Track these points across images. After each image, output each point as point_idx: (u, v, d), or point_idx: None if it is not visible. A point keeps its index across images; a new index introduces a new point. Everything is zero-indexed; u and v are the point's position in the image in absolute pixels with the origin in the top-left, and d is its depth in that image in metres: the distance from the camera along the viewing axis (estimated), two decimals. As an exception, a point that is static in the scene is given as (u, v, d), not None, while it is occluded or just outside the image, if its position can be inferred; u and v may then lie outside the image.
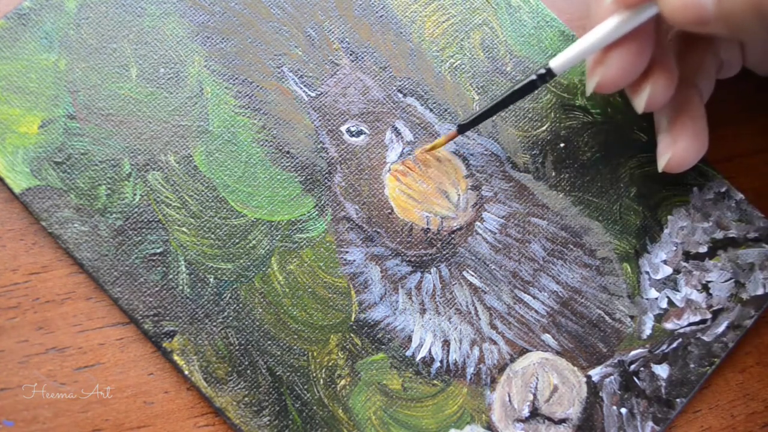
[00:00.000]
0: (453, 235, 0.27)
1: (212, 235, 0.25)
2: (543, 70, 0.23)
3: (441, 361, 0.26)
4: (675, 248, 0.28)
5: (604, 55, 0.23)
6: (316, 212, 0.26)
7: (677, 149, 0.25)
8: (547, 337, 0.26)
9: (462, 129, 0.26)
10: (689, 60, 0.26)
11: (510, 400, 0.26)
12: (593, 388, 0.26)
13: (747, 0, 0.19)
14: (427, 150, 0.27)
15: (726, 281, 0.27)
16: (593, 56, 0.24)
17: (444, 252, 0.26)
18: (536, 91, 0.28)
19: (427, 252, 0.26)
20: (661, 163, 0.26)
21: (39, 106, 0.25)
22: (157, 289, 0.25)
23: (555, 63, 0.23)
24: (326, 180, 0.26)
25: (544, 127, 0.28)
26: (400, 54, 0.28)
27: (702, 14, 0.20)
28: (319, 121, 0.27)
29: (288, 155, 0.26)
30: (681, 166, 0.26)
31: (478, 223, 0.27)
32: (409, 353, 0.25)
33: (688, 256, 0.28)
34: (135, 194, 0.25)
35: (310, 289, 0.25)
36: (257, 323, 0.25)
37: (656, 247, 0.28)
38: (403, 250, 0.26)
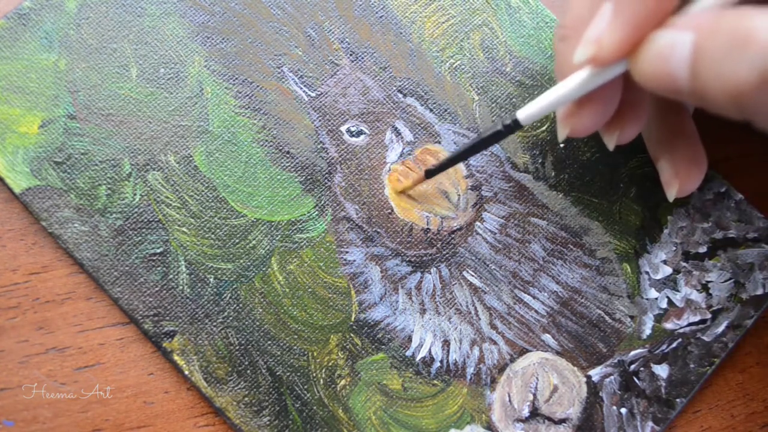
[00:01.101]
0: (453, 235, 0.27)
1: (212, 235, 0.25)
2: (509, 121, 0.23)
3: (441, 361, 0.26)
4: (675, 248, 0.28)
5: (574, 107, 0.23)
6: (316, 212, 0.26)
7: (681, 178, 0.25)
8: (547, 337, 0.26)
9: (429, 174, 0.25)
10: None
11: (510, 400, 0.26)
12: (593, 388, 0.26)
13: (723, 87, 0.18)
14: (398, 191, 0.27)
15: (726, 281, 0.28)
16: (563, 108, 0.23)
17: (444, 252, 0.26)
18: (536, 92, 0.28)
19: (427, 252, 0.26)
20: (671, 194, 0.25)
21: (39, 106, 0.25)
22: (157, 289, 0.25)
23: (522, 115, 0.22)
24: (326, 180, 0.26)
25: (544, 127, 0.28)
26: (400, 54, 0.28)
27: (675, 87, 0.19)
28: (319, 121, 0.27)
29: (288, 155, 0.26)
30: (689, 191, 0.25)
31: (478, 223, 0.27)
32: (409, 353, 0.26)
33: (687, 256, 0.28)
34: (135, 194, 0.25)
35: (310, 289, 0.25)
36: (257, 323, 0.25)
37: (656, 247, 0.28)
38: (403, 250, 0.26)
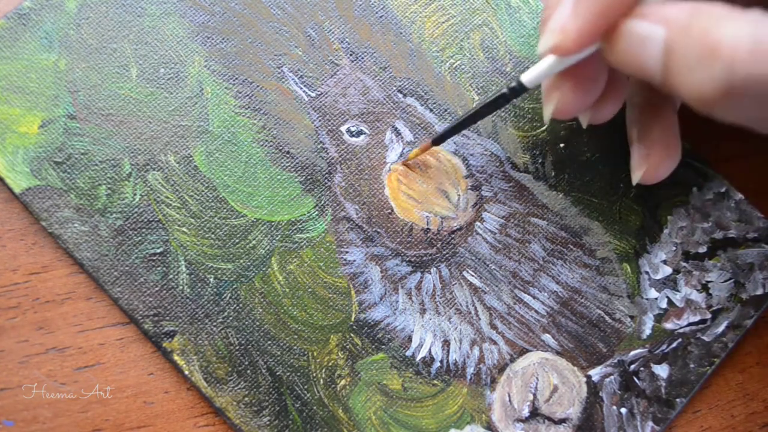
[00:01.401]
0: (453, 235, 0.27)
1: (212, 235, 0.25)
2: (514, 84, 0.23)
3: (441, 361, 0.26)
4: (675, 248, 0.28)
5: (558, 82, 0.23)
6: (316, 212, 0.26)
7: (651, 162, 0.25)
8: (547, 337, 0.26)
9: (436, 142, 0.26)
10: None
11: (510, 400, 0.26)
12: (593, 388, 0.26)
13: (692, 91, 0.18)
14: (403, 163, 0.27)
15: (726, 281, 0.28)
16: (547, 84, 0.23)
17: (444, 252, 0.26)
18: (536, 92, 0.28)
19: (427, 252, 0.26)
20: (636, 177, 0.25)
21: (39, 106, 0.25)
22: (157, 289, 0.25)
23: (526, 77, 0.22)
24: (326, 180, 0.26)
25: (543, 128, 0.28)
26: (400, 54, 0.28)
27: (648, 77, 0.19)
28: (319, 121, 0.27)
29: (288, 155, 0.26)
30: (655, 178, 0.25)
31: (478, 223, 0.27)
32: (409, 353, 0.26)
33: (687, 256, 0.28)
34: (135, 194, 0.25)
35: (310, 289, 0.25)
36: (257, 323, 0.25)
37: (656, 247, 0.28)
38: (403, 250, 0.26)
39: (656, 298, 0.27)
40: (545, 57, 0.22)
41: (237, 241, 0.25)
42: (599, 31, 0.20)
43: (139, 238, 0.25)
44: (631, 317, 0.27)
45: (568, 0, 0.20)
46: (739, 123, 0.18)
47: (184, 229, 0.25)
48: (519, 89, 0.23)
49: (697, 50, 0.17)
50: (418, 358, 0.26)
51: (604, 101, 0.24)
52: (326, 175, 0.26)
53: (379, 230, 0.26)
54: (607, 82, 0.23)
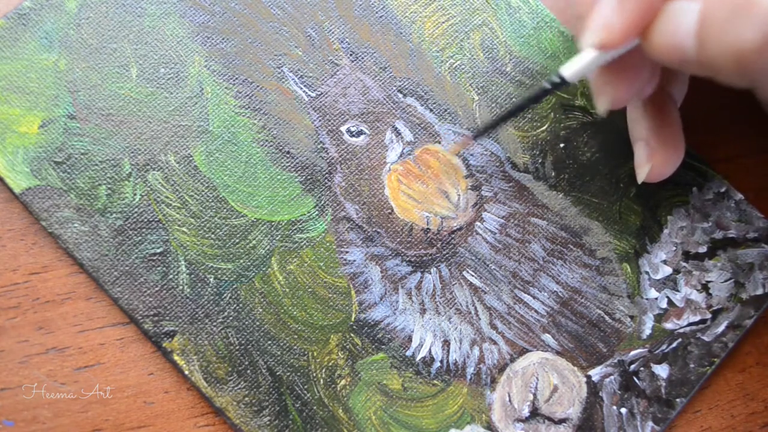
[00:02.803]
0: (453, 235, 0.27)
1: (212, 235, 0.25)
2: (556, 78, 0.23)
3: (441, 361, 0.26)
4: (675, 248, 0.28)
5: (608, 76, 0.23)
6: (316, 212, 0.26)
7: (656, 160, 0.25)
8: (547, 337, 0.26)
9: (477, 136, 0.26)
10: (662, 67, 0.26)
11: (510, 400, 0.26)
12: (593, 388, 0.26)
13: (728, 51, 0.18)
14: (453, 153, 0.27)
15: (726, 281, 0.28)
16: (597, 79, 0.24)
17: (444, 252, 0.26)
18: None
19: (427, 252, 0.26)
20: (641, 175, 0.26)
21: (39, 106, 0.25)
22: (157, 289, 0.25)
23: (568, 72, 0.22)
24: (326, 180, 0.26)
25: (543, 127, 0.28)
26: (400, 54, 0.28)
27: (683, 57, 0.20)
28: (319, 121, 0.27)
29: (288, 155, 0.26)
30: (660, 176, 0.25)
31: (478, 223, 0.27)
32: (409, 353, 0.26)
33: (687, 256, 0.28)
34: (135, 194, 0.25)
35: (310, 289, 0.25)
36: (257, 323, 0.25)
37: (656, 247, 0.28)
38: (403, 250, 0.26)
39: (656, 298, 0.27)
40: (586, 52, 0.22)
41: (237, 241, 0.25)
42: (643, 25, 0.20)
43: (139, 238, 0.25)
44: (631, 317, 0.27)
45: None
46: None
47: (184, 229, 0.25)
48: (561, 83, 0.23)
49: (731, 8, 0.18)
50: (418, 358, 0.26)
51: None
52: (326, 175, 0.26)
53: (379, 230, 0.26)
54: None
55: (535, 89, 0.24)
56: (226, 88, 0.26)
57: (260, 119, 0.26)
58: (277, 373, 0.25)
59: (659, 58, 0.20)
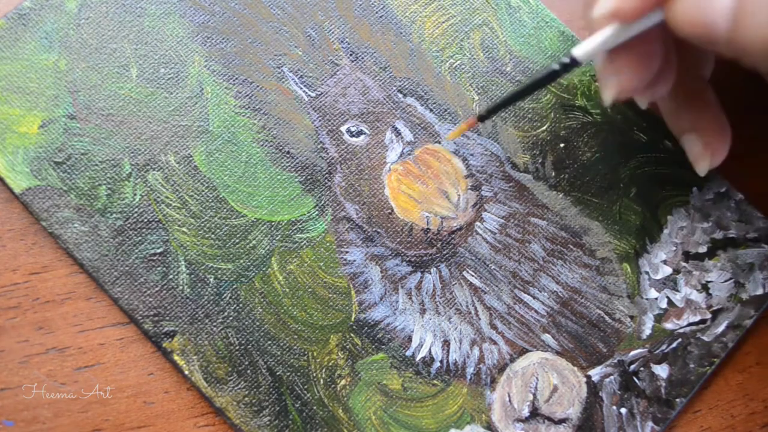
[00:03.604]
0: (453, 235, 0.27)
1: (212, 235, 0.25)
2: (567, 59, 0.22)
3: (441, 361, 0.26)
4: (675, 248, 0.28)
5: (614, 63, 0.22)
6: (316, 212, 0.26)
7: (715, 148, 0.24)
8: (547, 337, 0.26)
9: (482, 118, 0.25)
10: (690, 50, 0.24)
11: (510, 400, 0.26)
12: (593, 388, 0.26)
13: (766, 41, 0.17)
14: (449, 138, 0.26)
15: (726, 281, 0.28)
16: (602, 66, 0.23)
17: (444, 252, 0.26)
18: (535, 92, 0.28)
19: (427, 252, 0.26)
20: (703, 168, 0.25)
21: (39, 106, 0.25)
22: (157, 289, 0.25)
23: (579, 51, 0.21)
24: (326, 180, 0.26)
25: (543, 128, 0.28)
26: (400, 54, 0.28)
27: (711, 36, 0.18)
28: (319, 121, 0.27)
29: (288, 155, 0.26)
30: (719, 162, 0.25)
31: (478, 223, 0.27)
32: (409, 353, 0.26)
33: (687, 256, 0.28)
34: (135, 194, 0.25)
35: (310, 289, 0.25)
36: (257, 323, 0.25)
37: (656, 247, 0.28)
38: (403, 250, 0.26)
39: (656, 298, 0.27)
40: (600, 30, 0.21)
41: (237, 241, 0.25)
42: None
43: (139, 238, 0.25)
44: (631, 317, 0.27)
45: None
46: None
47: (184, 229, 0.25)
48: (571, 64, 0.22)
49: None
50: (418, 358, 0.26)
51: (658, 76, 0.23)
52: (326, 175, 0.26)
53: (379, 230, 0.26)
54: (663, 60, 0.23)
55: (543, 70, 0.22)
56: (226, 88, 0.26)
57: (260, 119, 0.26)
58: (277, 373, 0.25)
59: (684, 33, 0.19)
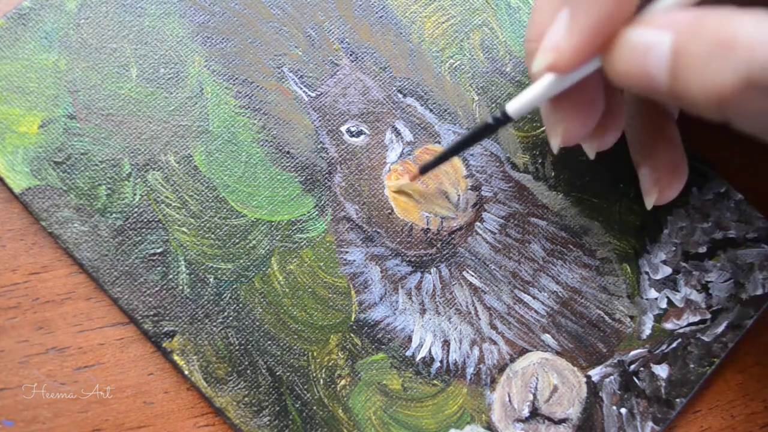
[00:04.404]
0: (453, 236, 0.27)
1: (212, 235, 0.25)
2: (499, 114, 0.22)
3: (441, 361, 0.26)
4: (674, 248, 0.28)
5: (557, 112, 0.22)
6: (316, 212, 0.26)
7: (662, 185, 0.25)
8: (546, 337, 0.26)
9: (423, 170, 0.25)
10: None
11: (510, 400, 0.26)
12: (593, 388, 0.26)
13: (706, 91, 0.17)
14: (394, 191, 0.26)
15: (725, 281, 0.28)
16: (547, 115, 0.23)
17: (444, 252, 0.26)
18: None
19: (427, 252, 0.26)
20: (650, 202, 0.25)
21: (39, 106, 0.25)
22: (157, 289, 0.25)
23: (511, 108, 0.22)
24: (326, 180, 0.26)
25: (544, 128, 0.28)
26: (400, 54, 0.28)
27: (652, 87, 0.18)
28: (319, 121, 0.27)
29: (288, 155, 0.26)
30: (667, 200, 0.25)
31: (477, 224, 0.27)
32: (409, 353, 0.26)
33: (687, 256, 0.28)
34: (135, 194, 0.25)
35: (310, 289, 0.25)
36: (257, 323, 0.25)
37: (656, 247, 0.28)
38: (403, 250, 0.26)
39: (656, 298, 0.27)
40: (538, 80, 0.21)
41: (237, 241, 0.25)
42: (597, 45, 0.19)
43: (139, 238, 0.25)
44: (631, 317, 0.27)
45: (561, 16, 0.19)
46: (751, 129, 0.18)
47: (184, 229, 0.25)
48: (504, 119, 0.22)
49: (711, 46, 0.17)
50: (418, 358, 0.26)
51: (604, 128, 0.24)
52: (326, 175, 0.26)
53: (379, 230, 0.26)
54: (606, 107, 0.23)
55: (477, 126, 0.23)
56: (226, 88, 0.26)
57: (260, 119, 0.26)
58: (277, 373, 0.25)
59: (622, 84, 0.19)
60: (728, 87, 0.16)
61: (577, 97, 0.22)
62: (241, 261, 0.25)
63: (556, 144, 0.23)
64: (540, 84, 0.21)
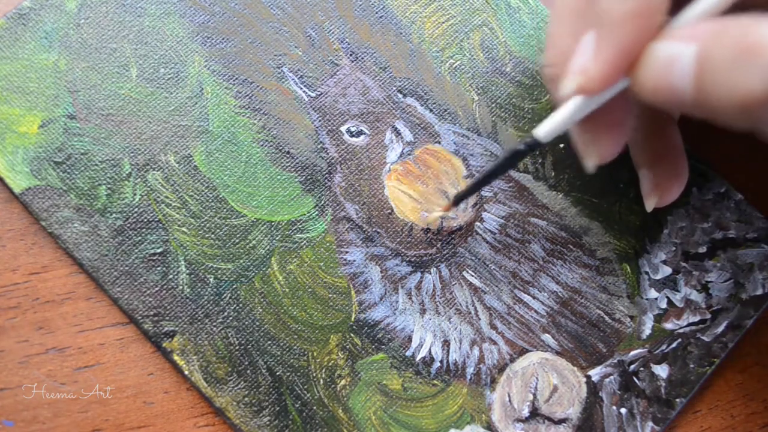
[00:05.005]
0: (453, 236, 0.27)
1: (212, 235, 0.25)
2: (529, 139, 0.22)
3: (441, 361, 0.26)
4: (674, 248, 0.28)
5: (587, 132, 0.22)
6: (316, 212, 0.26)
7: (663, 188, 0.25)
8: (546, 337, 0.26)
9: (457, 201, 0.25)
10: None
11: (510, 400, 0.26)
12: (593, 388, 0.26)
13: (732, 98, 0.17)
14: (427, 222, 0.26)
15: (725, 281, 0.28)
16: (579, 137, 0.23)
17: (444, 252, 0.26)
18: (536, 92, 0.28)
19: (427, 252, 0.26)
20: (650, 205, 0.26)
21: (39, 106, 0.25)
22: (157, 289, 0.25)
23: (541, 132, 0.22)
24: (326, 180, 0.26)
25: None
26: (400, 54, 0.28)
27: (678, 100, 0.18)
28: (319, 121, 0.27)
29: (288, 155, 0.26)
30: (667, 203, 0.25)
31: (477, 224, 0.27)
32: (409, 353, 0.26)
33: (687, 256, 0.28)
34: (135, 194, 0.25)
35: (310, 289, 0.25)
36: (257, 323, 0.25)
37: (656, 247, 0.28)
38: (403, 250, 0.26)
39: (656, 298, 0.27)
40: (566, 103, 0.21)
41: (237, 241, 0.25)
42: (625, 66, 0.19)
43: (139, 238, 0.25)
44: (631, 317, 0.27)
45: (587, 39, 0.19)
46: None
47: (184, 229, 0.25)
48: (534, 144, 0.22)
49: (734, 53, 0.17)
50: (418, 358, 0.26)
51: (607, 140, 0.23)
52: (326, 175, 0.26)
53: (379, 230, 0.26)
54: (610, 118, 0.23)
55: (507, 152, 0.22)
56: (226, 88, 0.26)
57: (260, 119, 0.26)
58: (277, 373, 0.25)
59: (651, 99, 0.19)
60: (755, 93, 0.16)
61: (607, 116, 0.22)
62: (241, 261, 0.25)
63: (592, 164, 0.23)
64: (569, 106, 0.21)
